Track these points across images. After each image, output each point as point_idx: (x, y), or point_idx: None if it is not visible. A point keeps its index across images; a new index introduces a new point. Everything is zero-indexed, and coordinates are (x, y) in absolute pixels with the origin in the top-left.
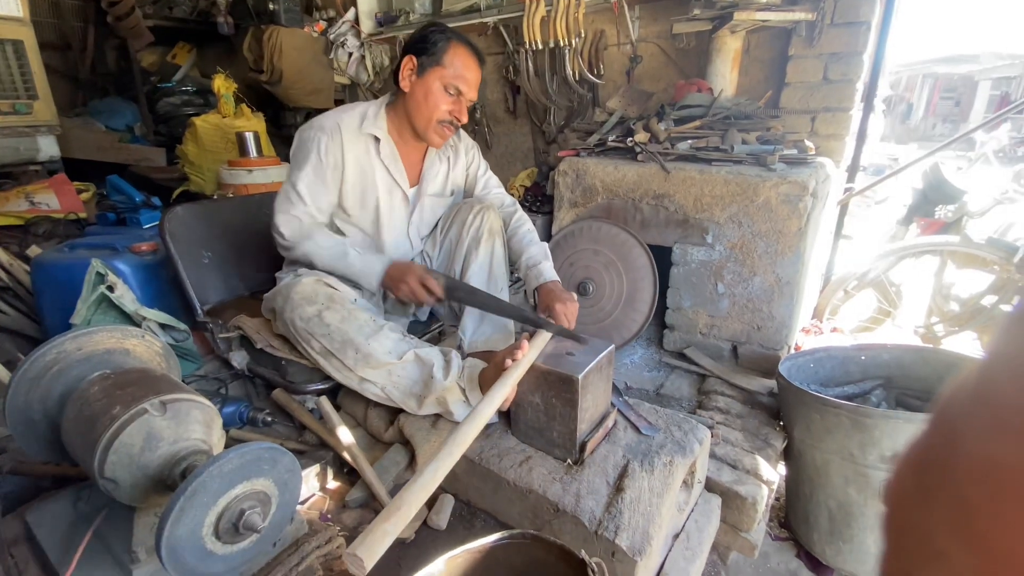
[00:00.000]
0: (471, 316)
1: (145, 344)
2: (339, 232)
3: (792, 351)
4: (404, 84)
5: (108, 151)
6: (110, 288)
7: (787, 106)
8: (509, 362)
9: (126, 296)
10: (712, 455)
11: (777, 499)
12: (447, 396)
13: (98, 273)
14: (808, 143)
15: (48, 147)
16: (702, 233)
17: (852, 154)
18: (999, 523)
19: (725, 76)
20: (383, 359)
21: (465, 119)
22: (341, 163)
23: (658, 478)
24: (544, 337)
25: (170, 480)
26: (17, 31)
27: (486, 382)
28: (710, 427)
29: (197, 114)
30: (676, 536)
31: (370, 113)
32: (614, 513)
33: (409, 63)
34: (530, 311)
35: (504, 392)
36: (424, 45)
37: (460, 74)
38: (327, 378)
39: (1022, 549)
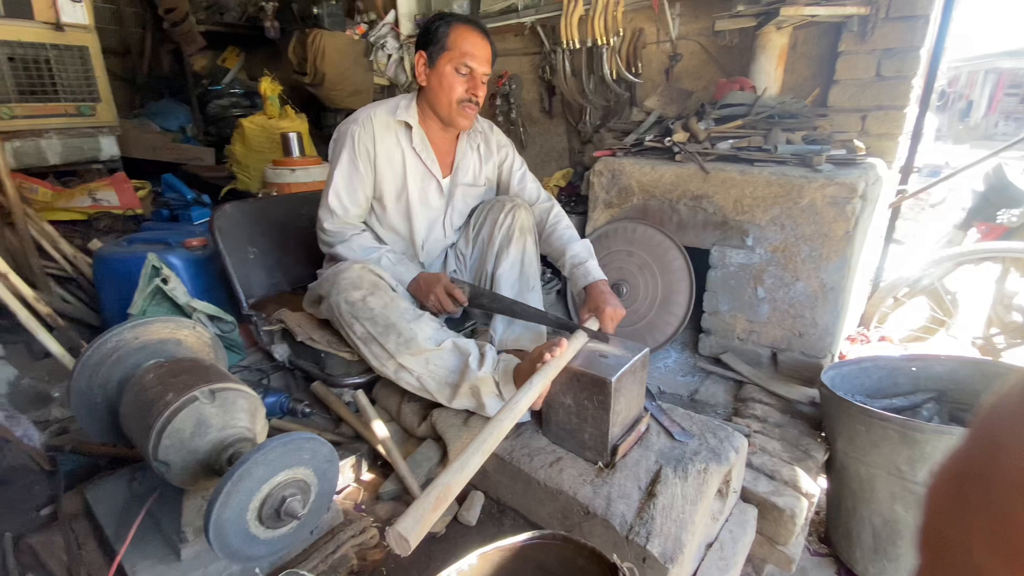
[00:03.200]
0: (501, 316)
1: (196, 335)
2: (376, 235)
3: (836, 360)
4: (421, 79)
5: (162, 151)
6: (164, 281)
7: (836, 104)
8: (548, 356)
9: (178, 289)
10: (749, 464)
11: (817, 513)
12: (481, 387)
13: (154, 267)
14: (858, 143)
15: (109, 147)
16: (742, 235)
17: (906, 155)
18: None
19: (769, 74)
20: (423, 345)
21: (483, 93)
22: (372, 152)
23: (692, 485)
24: (581, 338)
25: (217, 465)
26: (83, 38)
27: (520, 377)
28: (747, 435)
29: (244, 115)
30: (709, 546)
31: (402, 104)
32: (646, 519)
33: (420, 58)
34: (555, 315)
35: (543, 384)
36: (429, 37)
37: (467, 51)
38: (364, 372)
39: None
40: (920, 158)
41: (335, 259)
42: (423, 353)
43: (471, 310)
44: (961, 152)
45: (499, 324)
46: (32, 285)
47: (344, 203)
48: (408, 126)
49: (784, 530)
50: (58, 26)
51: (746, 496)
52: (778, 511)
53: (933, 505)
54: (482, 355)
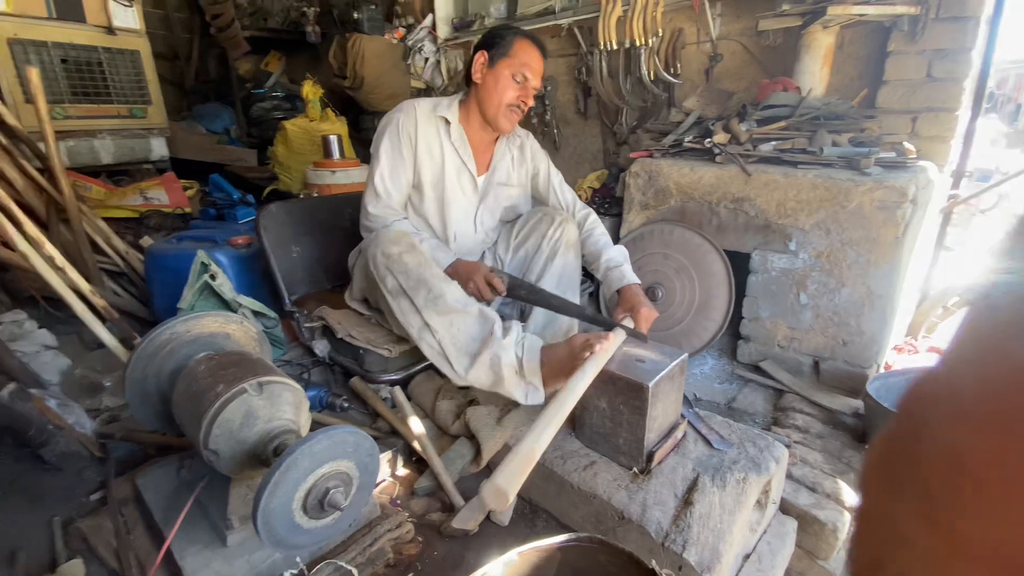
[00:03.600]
0: (536, 318)
1: (243, 329)
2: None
3: (882, 370)
4: (476, 76)
5: (208, 151)
6: (212, 277)
7: (885, 106)
8: (598, 347)
9: (225, 285)
10: (789, 476)
11: None
12: (503, 357)
13: (203, 263)
14: (908, 145)
15: (159, 148)
16: (784, 240)
17: (957, 158)
18: (960, 510)
19: (815, 74)
20: (451, 304)
21: (531, 103)
22: (414, 138)
23: (730, 494)
24: (620, 335)
25: (263, 455)
26: (135, 43)
27: (550, 359)
28: (787, 446)
29: (286, 118)
30: (747, 557)
31: (444, 102)
32: (682, 526)
33: (480, 57)
34: (594, 311)
35: (596, 370)
36: (494, 40)
37: (526, 63)
38: (401, 369)
39: (981, 533)
40: (972, 163)
41: None
42: (449, 313)
43: (502, 310)
44: (1012, 157)
45: (532, 327)
46: (86, 279)
47: (387, 187)
48: (447, 121)
49: (825, 544)
50: (110, 30)
51: (786, 508)
52: (819, 524)
53: (866, 481)
54: (507, 328)
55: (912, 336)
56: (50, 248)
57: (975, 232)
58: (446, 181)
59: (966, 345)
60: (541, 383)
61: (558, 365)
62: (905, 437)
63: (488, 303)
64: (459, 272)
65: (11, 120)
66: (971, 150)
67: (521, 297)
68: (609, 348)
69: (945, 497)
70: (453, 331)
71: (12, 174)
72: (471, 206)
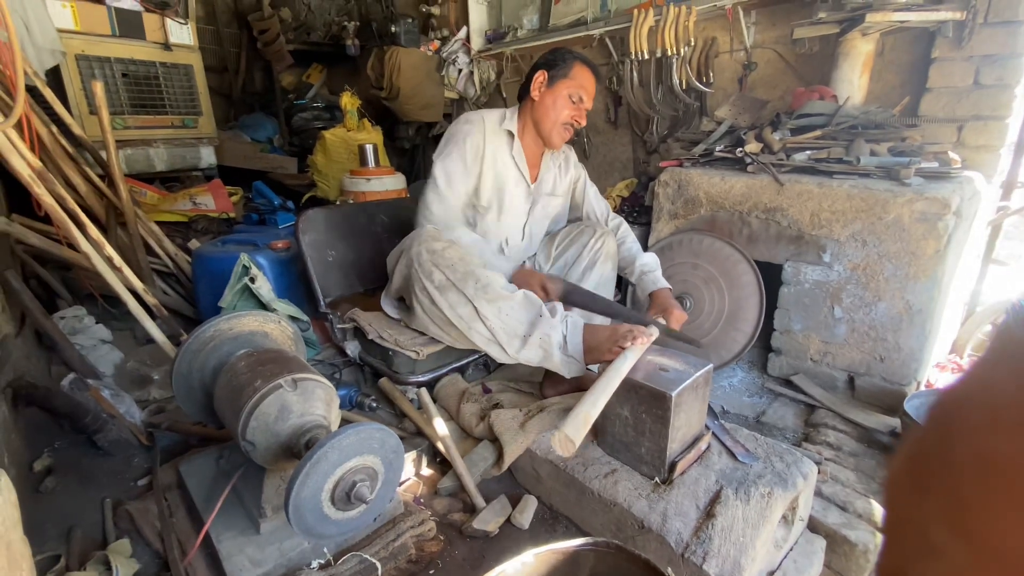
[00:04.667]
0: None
1: (280, 328)
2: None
3: (923, 388)
4: (535, 93)
5: (252, 159)
6: (252, 279)
7: (928, 114)
8: (641, 340)
9: (263, 287)
10: (818, 493)
11: None
12: (552, 335)
13: (244, 266)
14: (952, 155)
15: (208, 156)
16: (818, 251)
17: (1008, 168)
18: (992, 518)
19: (853, 82)
20: (500, 291)
21: (584, 123)
22: (482, 151)
23: (754, 509)
24: (655, 331)
25: (296, 448)
26: (188, 57)
27: (592, 336)
28: (817, 463)
29: (325, 128)
30: (771, 574)
31: (508, 114)
32: (703, 538)
33: (540, 76)
34: (639, 314)
35: (638, 354)
36: (555, 61)
37: (583, 85)
38: (428, 371)
39: (1014, 543)
40: None
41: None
42: (499, 300)
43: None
44: None
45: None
46: (139, 278)
47: (448, 190)
48: (511, 135)
49: (855, 566)
50: (166, 46)
51: (814, 526)
52: (849, 545)
53: (893, 489)
54: (552, 309)
55: (957, 353)
56: (109, 250)
57: None
58: (505, 193)
59: (1003, 351)
60: (582, 357)
61: (597, 344)
62: (936, 443)
63: None
64: (517, 278)
65: (77, 130)
66: (1023, 159)
67: (574, 302)
68: (648, 342)
69: (977, 505)
70: (503, 317)
71: (77, 180)
72: (523, 215)
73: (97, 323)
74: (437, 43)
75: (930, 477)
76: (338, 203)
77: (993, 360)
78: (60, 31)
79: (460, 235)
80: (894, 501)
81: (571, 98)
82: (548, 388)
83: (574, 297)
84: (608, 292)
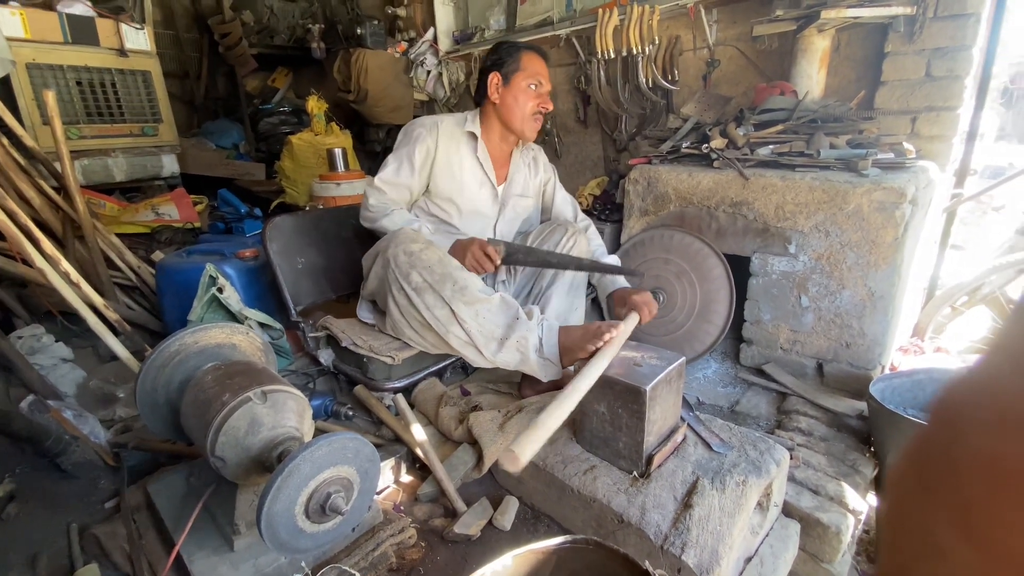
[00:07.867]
0: (554, 309)
1: (249, 340)
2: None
3: (887, 371)
4: (494, 97)
5: (217, 167)
6: (220, 290)
7: (883, 106)
8: (603, 341)
9: (232, 297)
10: (791, 478)
11: (866, 531)
12: (529, 337)
13: (211, 276)
14: (907, 146)
15: (170, 164)
16: (784, 243)
17: (960, 157)
18: (999, 519)
19: (811, 77)
20: (476, 294)
21: (551, 106)
22: (433, 153)
23: (730, 497)
24: (632, 320)
25: (268, 462)
26: (146, 63)
27: (568, 338)
28: (789, 449)
29: (293, 132)
30: (749, 560)
31: (470, 117)
32: (681, 529)
33: (494, 78)
34: (591, 260)
35: (613, 352)
36: (501, 59)
37: (537, 71)
38: (404, 376)
39: (1020, 544)
40: (979, 159)
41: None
42: (476, 303)
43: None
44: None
45: (550, 315)
46: (100, 293)
47: (389, 186)
48: (474, 136)
49: (829, 547)
50: (122, 52)
51: (788, 511)
52: (822, 527)
53: (897, 488)
54: (528, 311)
55: (918, 337)
56: (66, 265)
57: (988, 230)
58: (468, 195)
59: (1010, 349)
60: (559, 360)
61: (572, 344)
62: (941, 442)
63: (494, 276)
64: (456, 250)
65: (29, 141)
66: (975, 147)
67: (519, 261)
68: (620, 336)
69: (983, 505)
70: (479, 320)
71: (30, 193)
72: (491, 218)
73: (57, 341)
74: (404, 45)
75: (935, 477)
76: (307, 208)
77: (1001, 357)
78: (9, 39)
79: (396, 217)
80: (898, 501)
81: (531, 87)
82: (526, 388)
83: (517, 256)
84: (581, 290)
